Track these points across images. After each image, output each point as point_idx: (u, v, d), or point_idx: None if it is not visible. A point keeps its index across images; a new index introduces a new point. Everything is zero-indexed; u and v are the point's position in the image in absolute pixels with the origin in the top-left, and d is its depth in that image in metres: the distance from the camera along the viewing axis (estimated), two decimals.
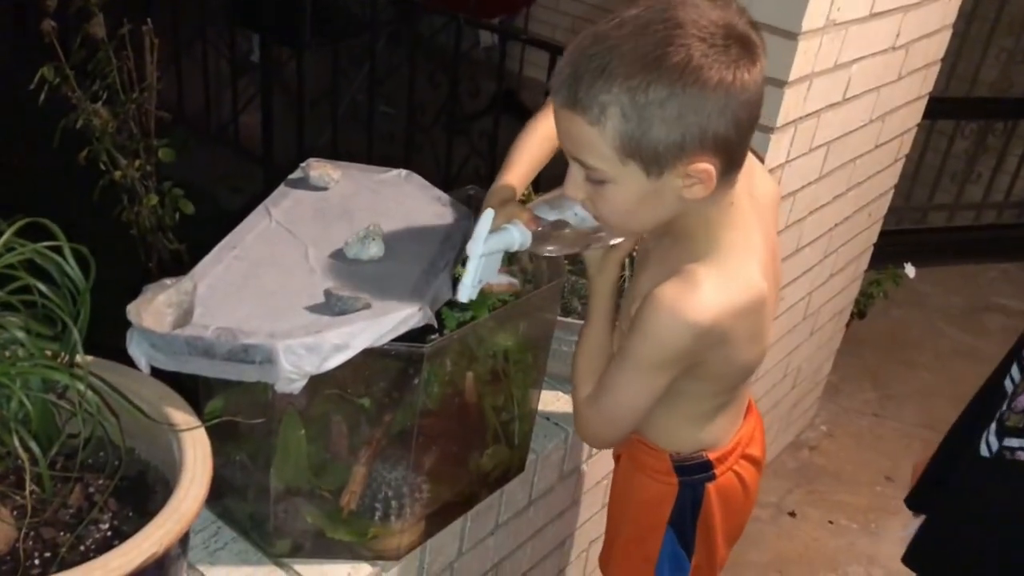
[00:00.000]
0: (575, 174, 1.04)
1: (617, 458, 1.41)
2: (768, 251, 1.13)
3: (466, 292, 1.06)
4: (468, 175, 2.92)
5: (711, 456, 1.25)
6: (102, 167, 1.97)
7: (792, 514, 2.42)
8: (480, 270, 1.05)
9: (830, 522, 2.41)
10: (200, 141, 3.40)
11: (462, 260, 1.19)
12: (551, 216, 1.08)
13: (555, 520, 1.54)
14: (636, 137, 0.96)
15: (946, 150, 3.63)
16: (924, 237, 3.66)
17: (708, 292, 1.03)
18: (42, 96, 1.84)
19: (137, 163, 2.02)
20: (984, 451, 1.27)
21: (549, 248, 1.11)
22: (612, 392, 1.13)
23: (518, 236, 1.06)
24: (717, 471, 1.26)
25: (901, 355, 3.12)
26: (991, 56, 3.64)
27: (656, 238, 1.16)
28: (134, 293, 0.99)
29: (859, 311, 2.74)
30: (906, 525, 1.45)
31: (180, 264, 2.23)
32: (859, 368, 2.98)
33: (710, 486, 1.26)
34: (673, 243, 1.11)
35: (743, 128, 0.99)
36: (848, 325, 2.67)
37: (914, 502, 1.45)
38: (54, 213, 0.85)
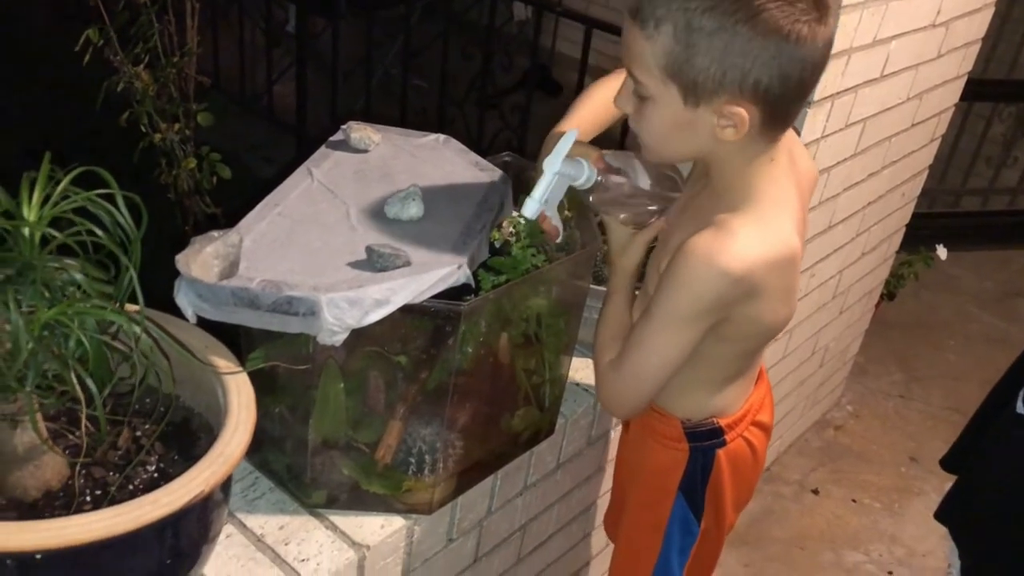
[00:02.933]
0: (627, 85, 1.06)
1: (626, 425, 1.42)
2: (801, 219, 1.14)
3: (532, 207, 1.08)
4: (499, 149, 2.93)
5: (722, 422, 1.26)
6: (143, 129, 2.00)
7: (815, 492, 2.43)
8: (549, 190, 1.07)
9: (853, 501, 2.42)
10: (234, 110, 3.44)
11: (499, 223, 1.21)
12: (614, 164, 1.10)
13: (582, 485, 1.56)
14: (680, 60, 0.97)
15: (983, 133, 3.59)
16: (957, 221, 3.63)
17: (743, 241, 1.04)
18: (86, 58, 1.87)
19: (176, 126, 2.05)
20: (1021, 408, 1.28)
21: (603, 199, 1.12)
22: (639, 351, 1.12)
23: (587, 170, 1.09)
24: (728, 437, 1.27)
25: (930, 338, 3.11)
26: None
27: (694, 196, 1.16)
28: (172, 253, 1.02)
29: (889, 292, 2.73)
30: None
31: (216, 228, 2.26)
32: (887, 350, 2.97)
33: (720, 452, 1.27)
34: (709, 196, 1.12)
35: (791, 84, 0.98)
36: (877, 306, 2.66)
37: (949, 463, 1.46)
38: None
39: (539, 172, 1.11)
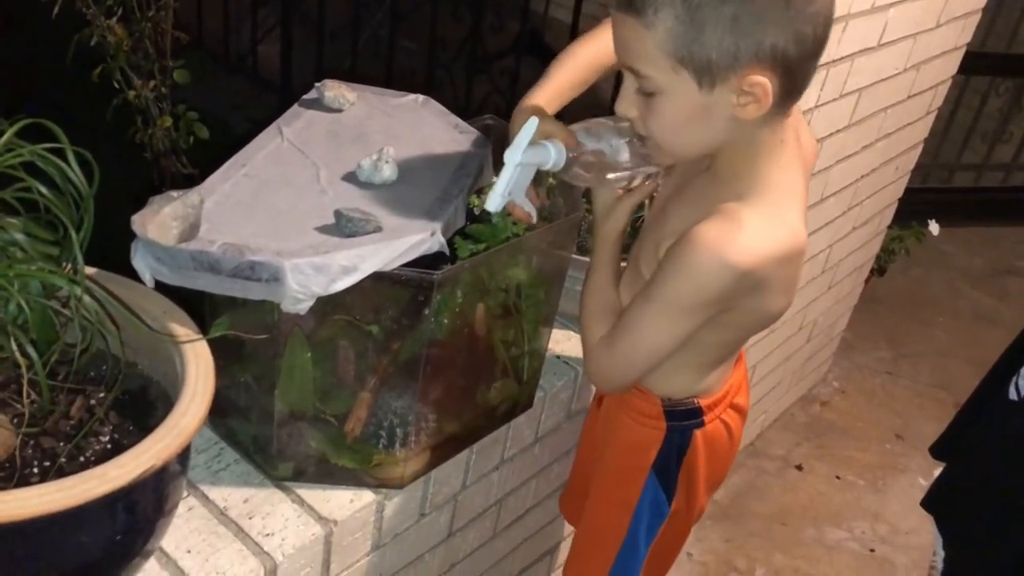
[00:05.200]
0: (627, 87, 1.00)
1: (598, 401, 1.38)
2: (806, 204, 1.09)
3: (495, 201, 1.02)
4: (488, 112, 2.87)
5: (702, 403, 1.23)
6: (116, 86, 1.93)
7: (799, 467, 2.41)
8: (513, 181, 1.02)
9: (837, 477, 2.40)
10: (218, 70, 3.36)
11: (477, 189, 1.16)
12: (588, 144, 1.05)
13: (560, 459, 1.53)
14: (688, 41, 0.91)
15: (979, 108, 3.54)
16: (949, 196, 3.59)
17: (752, 233, 0.98)
18: (55, 9, 1.80)
19: (152, 83, 1.98)
20: (1013, 395, 1.25)
21: (578, 175, 1.07)
22: (634, 333, 1.08)
23: (554, 154, 1.02)
24: (706, 418, 1.24)
25: (918, 314, 3.08)
26: None
27: (691, 176, 1.11)
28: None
29: (879, 268, 2.70)
30: (931, 477, 1.44)
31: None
32: (875, 326, 2.94)
33: (698, 432, 1.24)
34: (711, 181, 1.07)
35: (806, 45, 0.93)
36: (867, 281, 2.63)
37: (938, 450, 1.43)
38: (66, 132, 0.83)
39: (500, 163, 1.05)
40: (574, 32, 2.46)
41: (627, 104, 1.01)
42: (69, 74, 1.93)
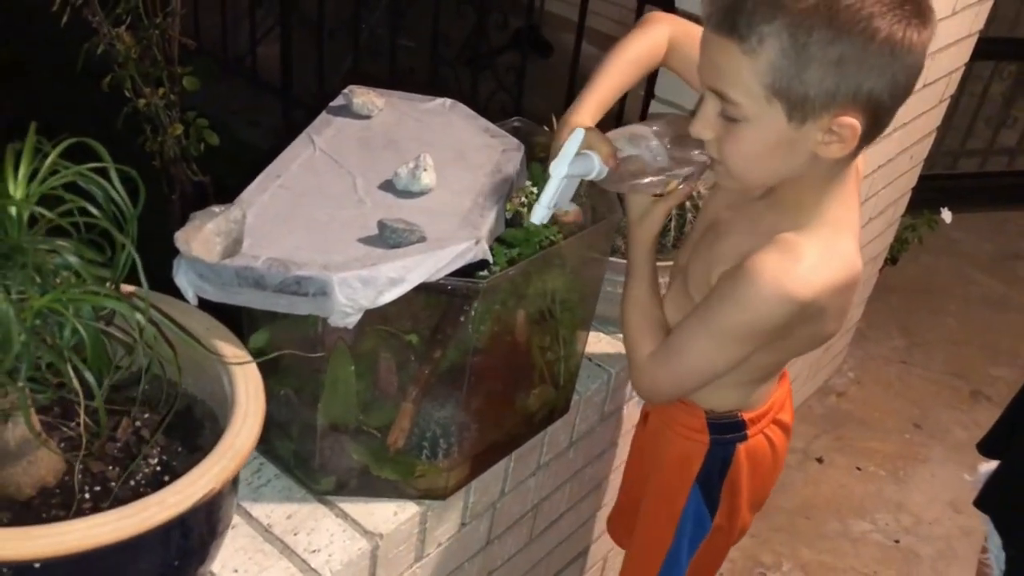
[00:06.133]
0: (708, 109, 0.98)
1: (645, 416, 1.38)
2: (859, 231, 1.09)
3: (540, 214, 1.01)
4: (495, 111, 2.84)
5: (745, 416, 1.22)
6: (126, 94, 1.91)
7: (820, 460, 2.40)
8: (559, 192, 1.01)
9: (858, 468, 2.39)
10: (217, 72, 3.33)
11: (516, 193, 1.14)
12: (628, 151, 1.03)
13: (593, 461, 1.51)
14: (790, 75, 0.90)
15: (982, 93, 3.53)
16: (956, 182, 3.58)
17: (810, 265, 0.98)
18: (64, 19, 1.78)
19: (161, 91, 1.96)
20: None
21: (619, 183, 1.06)
22: (687, 356, 1.08)
23: (598, 164, 1.01)
24: (749, 432, 1.23)
25: (930, 302, 3.07)
26: None
27: (746, 199, 1.10)
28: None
29: (892, 257, 2.69)
30: (974, 471, 1.43)
31: (203, 196, 2.18)
32: (887, 314, 2.93)
33: (740, 446, 1.23)
34: (770, 208, 1.05)
35: (899, 92, 0.93)
36: (880, 271, 2.62)
37: (987, 447, 1.41)
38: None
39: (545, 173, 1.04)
40: (581, 27, 2.43)
41: (705, 126, 0.99)
42: (75, 85, 1.91)
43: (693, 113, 1.01)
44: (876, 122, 0.95)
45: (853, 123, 0.92)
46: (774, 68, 0.91)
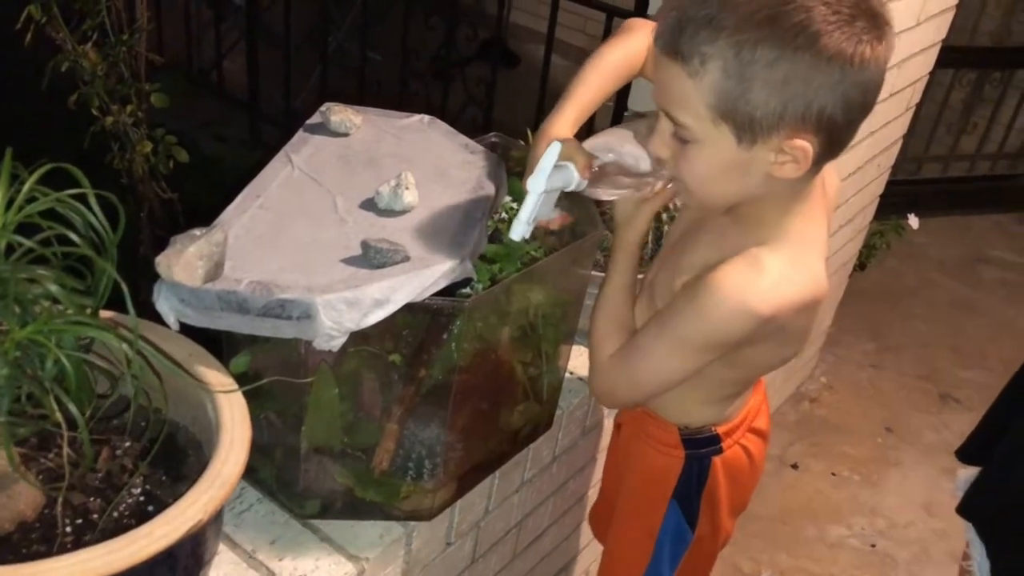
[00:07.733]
0: (663, 129, 0.97)
1: (618, 427, 1.38)
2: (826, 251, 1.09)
3: (520, 229, 1.00)
4: (466, 123, 2.84)
5: (719, 430, 1.22)
6: (94, 112, 1.88)
7: (795, 466, 2.42)
8: (538, 207, 1.00)
9: (833, 474, 2.41)
10: (183, 87, 3.29)
11: (497, 209, 1.14)
12: (606, 157, 1.03)
13: (576, 475, 1.51)
14: (734, 97, 0.88)
15: (943, 100, 3.59)
16: (920, 188, 3.64)
17: (773, 280, 0.97)
18: (28, 36, 1.74)
19: (129, 108, 1.93)
20: None
21: (600, 190, 1.05)
22: (645, 360, 1.07)
23: (576, 176, 1.01)
24: (724, 444, 1.23)
25: (898, 306, 3.12)
26: (991, 5, 3.60)
27: (712, 213, 1.09)
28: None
29: (860, 263, 2.73)
30: (951, 475, 1.44)
31: (172, 214, 2.15)
32: (857, 319, 2.97)
33: (716, 459, 1.23)
34: (734, 223, 1.04)
35: (853, 111, 0.90)
36: (849, 276, 2.65)
37: (966, 454, 1.42)
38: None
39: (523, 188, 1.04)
40: (550, 36, 2.43)
41: (661, 145, 0.98)
42: (40, 105, 1.87)
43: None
44: (831, 140, 0.92)
45: (804, 145, 0.90)
46: (718, 90, 0.89)
